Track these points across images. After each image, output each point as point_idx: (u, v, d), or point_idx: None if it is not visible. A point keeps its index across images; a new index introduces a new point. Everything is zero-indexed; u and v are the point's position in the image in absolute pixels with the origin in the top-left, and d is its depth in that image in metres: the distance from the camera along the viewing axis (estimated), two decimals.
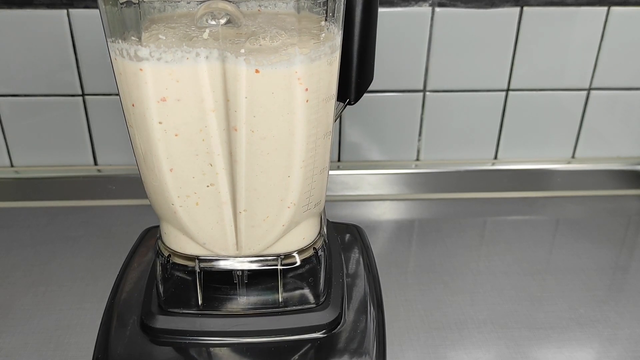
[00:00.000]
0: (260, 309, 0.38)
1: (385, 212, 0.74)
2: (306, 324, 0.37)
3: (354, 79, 0.38)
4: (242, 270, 0.37)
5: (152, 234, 0.47)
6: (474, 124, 0.76)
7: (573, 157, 0.80)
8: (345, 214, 0.73)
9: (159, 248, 0.37)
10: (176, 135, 0.31)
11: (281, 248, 0.36)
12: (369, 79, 0.40)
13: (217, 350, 0.37)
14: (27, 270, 0.62)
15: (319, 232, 0.38)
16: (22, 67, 0.68)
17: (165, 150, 0.31)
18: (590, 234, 0.70)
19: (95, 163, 0.75)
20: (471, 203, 0.76)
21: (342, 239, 0.47)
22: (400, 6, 0.68)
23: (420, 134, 0.76)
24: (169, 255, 0.36)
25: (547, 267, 0.64)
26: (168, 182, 0.32)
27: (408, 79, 0.73)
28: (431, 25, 0.70)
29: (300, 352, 0.37)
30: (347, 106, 0.40)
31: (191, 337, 0.37)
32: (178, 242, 0.36)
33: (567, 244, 0.68)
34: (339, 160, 0.77)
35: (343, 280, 0.40)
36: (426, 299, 0.59)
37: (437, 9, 0.69)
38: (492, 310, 0.57)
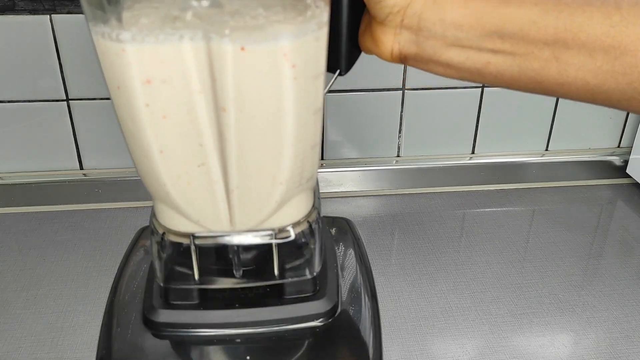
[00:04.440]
0: (258, 282, 0.38)
1: (368, 207, 0.75)
2: (304, 312, 0.38)
3: (345, 48, 0.38)
4: (238, 247, 0.36)
5: (147, 233, 0.48)
6: (451, 120, 0.78)
7: (547, 149, 0.82)
8: (330, 210, 0.74)
9: (154, 226, 0.37)
10: (164, 118, 0.31)
11: (275, 222, 0.36)
12: (360, 48, 0.39)
13: (218, 341, 0.38)
14: (16, 275, 0.62)
15: (313, 206, 0.38)
16: (5, 73, 0.68)
17: (154, 132, 0.31)
18: (565, 223, 0.72)
19: (81, 167, 0.75)
20: (450, 196, 0.77)
21: (333, 231, 0.48)
22: None
23: (400, 131, 0.78)
24: (164, 233, 0.36)
25: (525, 255, 0.66)
26: (158, 163, 0.32)
27: (387, 78, 0.74)
28: None
29: (299, 340, 0.38)
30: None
31: (193, 330, 0.38)
32: (172, 220, 0.35)
33: (543, 233, 0.70)
34: (322, 158, 0.78)
35: (337, 270, 0.41)
36: (412, 289, 0.60)
37: None
38: (475, 298, 0.59)
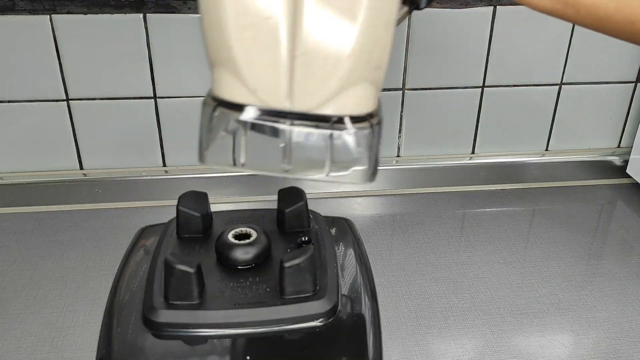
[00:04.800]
0: (305, 174, 0.35)
1: (368, 207, 0.75)
2: (304, 312, 0.38)
3: None
4: (291, 133, 0.34)
5: (147, 234, 0.48)
6: (451, 120, 0.78)
7: (546, 150, 0.82)
8: (331, 210, 0.74)
9: (206, 99, 0.35)
10: None
11: (334, 109, 0.33)
12: None
13: (218, 341, 0.38)
14: (15, 275, 0.62)
15: (376, 106, 0.35)
16: (5, 72, 0.68)
17: None
18: (565, 223, 0.72)
19: (81, 167, 0.75)
20: (451, 196, 0.77)
21: (333, 231, 0.48)
22: None
23: (400, 131, 0.78)
24: (217, 105, 0.34)
25: (525, 255, 0.66)
26: (227, 7, 0.32)
27: (387, 78, 0.74)
28: (408, 26, 0.71)
29: (299, 340, 0.38)
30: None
31: (193, 330, 0.38)
32: (228, 88, 0.34)
33: (543, 233, 0.70)
34: None
35: (337, 270, 0.41)
36: (412, 290, 0.60)
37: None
38: (476, 298, 0.59)
